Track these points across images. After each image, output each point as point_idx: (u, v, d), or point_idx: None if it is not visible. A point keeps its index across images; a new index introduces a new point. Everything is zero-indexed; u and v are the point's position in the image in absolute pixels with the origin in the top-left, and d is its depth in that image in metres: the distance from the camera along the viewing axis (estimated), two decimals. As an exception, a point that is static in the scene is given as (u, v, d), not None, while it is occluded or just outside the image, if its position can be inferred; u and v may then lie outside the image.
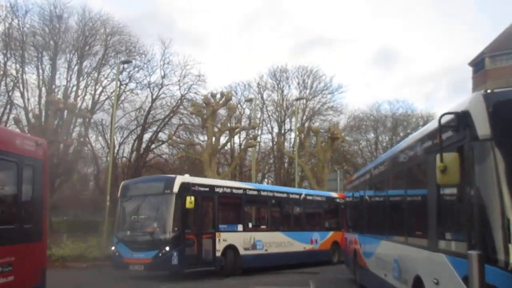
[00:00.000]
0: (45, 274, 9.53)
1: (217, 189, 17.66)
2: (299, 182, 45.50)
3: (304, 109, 50.41)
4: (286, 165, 51.46)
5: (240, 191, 18.85)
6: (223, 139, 32.71)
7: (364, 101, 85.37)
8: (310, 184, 43.59)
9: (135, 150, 43.54)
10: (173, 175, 16.98)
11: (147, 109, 42.92)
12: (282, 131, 51.07)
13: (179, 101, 43.26)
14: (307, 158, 36.62)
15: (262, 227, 19.72)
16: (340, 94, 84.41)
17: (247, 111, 51.18)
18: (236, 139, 48.88)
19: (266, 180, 55.32)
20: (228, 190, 18.31)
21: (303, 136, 37.60)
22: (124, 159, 45.25)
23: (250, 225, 18.98)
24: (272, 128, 51.44)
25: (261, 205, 20.26)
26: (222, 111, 40.12)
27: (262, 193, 20.08)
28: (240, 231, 18.16)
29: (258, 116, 49.00)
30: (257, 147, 46.22)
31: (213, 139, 28.98)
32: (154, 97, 43.29)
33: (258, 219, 20.29)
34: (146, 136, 44.55)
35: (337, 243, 22.57)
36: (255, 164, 34.58)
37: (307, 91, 50.98)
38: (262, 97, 50.49)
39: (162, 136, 44.83)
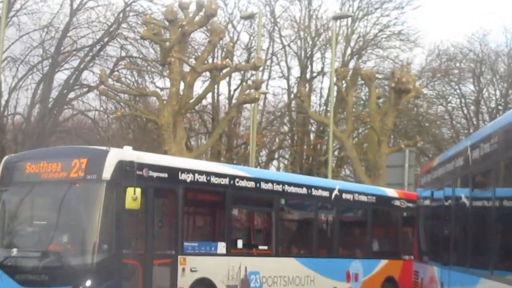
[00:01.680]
0: None
1: (183, 176, 17.43)
2: (335, 169, 45.51)
3: (348, 37, 50.25)
4: (312, 137, 51.49)
5: (224, 181, 18.68)
6: (199, 87, 32.52)
7: (457, 27, 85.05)
8: (354, 173, 43.58)
9: (39, 101, 43.38)
10: (103, 147, 16.74)
11: (62, 28, 42.71)
12: (308, 76, 51.00)
13: (121, 16, 42.99)
14: (350, 126, 36.42)
15: (261, 248, 19.81)
16: (414, 10, 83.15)
17: (245, 38, 50.96)
18: (224, 87, 48.86)
19: (275, 163, 55.52)
20: (203, 179, 18.04)
21: (344, 85, 37.39)
22: (18, 116, 45.15)
23: (239, 243, 19.00)
24: (289, 69, 51.51)
25: (260, 208, 20.51)
26: (198, 36, 39.77)
27: (264, 185, 19.85)
28: (221, 255, 18.08)
29: (264, 47, 48.80)
30: (261, 103, 46.10)
31: (181, 86, 28.83)
32: (75, 6, 43.00)
33: (254, 234, 20.46)
34: (60, 78, 44.47)
35: (394, 280, 22.60)
36: (255, 133, 34.47)
37: (355, 4, 50.82)
38: (272, 13, 50.40)
39: (89, 78, 44.69)
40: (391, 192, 24.58)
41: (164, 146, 27.74)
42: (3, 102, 40.72)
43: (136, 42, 42.07)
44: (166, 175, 17.16)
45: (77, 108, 45.79)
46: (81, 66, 43.51)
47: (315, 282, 20.42)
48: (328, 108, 41.70)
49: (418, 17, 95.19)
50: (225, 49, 32.98)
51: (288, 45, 50.89)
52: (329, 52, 44.80)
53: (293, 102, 49.58)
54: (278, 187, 20.25)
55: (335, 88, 37.28)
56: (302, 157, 50.89)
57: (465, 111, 54.32)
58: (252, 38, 48.40)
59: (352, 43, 50.56)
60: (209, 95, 42.27)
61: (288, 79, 51.21)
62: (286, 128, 52.70)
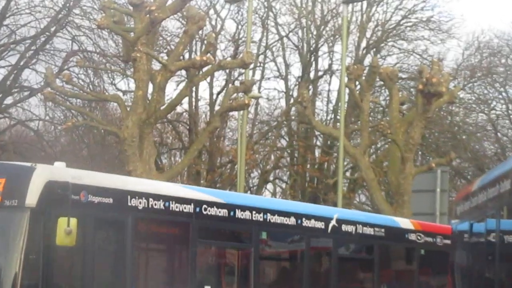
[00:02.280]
0: None
1: (134, 201, 17.21)
2: (347, 195, 45.50)
3: (363, 25, 50.40)
4: (317, 154, 51.50)
5: (188, 208, 18.52)
6: (172, 90, 32.43)
7: (502, 13, 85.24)
8: (371, 199, 43.52)
9: (-32, 108, 43.40)
10: (27, 164, 16.11)
11: (-4, 13, 42.77)
12: (311, 76, 51.06)
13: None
14: (366, 140, 36.47)
15: None
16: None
17: (231, 27, 50.97)
18: (204, 90, 48.85)
19: (270, 186, 55.49)
20: (160, 205, 17.88)
21: (358, 87, 37.47)
22: None
23: None
24: (287, 68, 51.66)
25: (234, 244, 20.41)
26: (172, 25, 39.77)
27: (239, 213, 19.61)
28: None
29: (256, 38, 48.84)
30: (252, 111, 46.18)
31: (150, 88, 28.87)
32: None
33: (226, 277, 20.19)
34: (-6, 78, 44.43)
35: None
36: (244, 149, 34.51)
37: (372, -17, 50.93)
38: (265, -7, 50.52)
39: (31, 78, 44.62)
40: (405, 223, 24.48)
41: (128, 165, 27.71)
42: None
43: (91, 33, 42.10)
44: (111, 200, 16.71)
45: (15, 117, 45.76)
46: (21, 64, 43.45)
47: None
48: (338, 117, 41.76)
49: (453, 0, 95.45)
50: (205, 42, 33.05)
51: (287, 35, 51.13)
52: (339, 45, 44.98)
53: (293, 108, 49.63)
54: (258, 216, 19.98)
55: (347, 91, 37.33)
56: (304, 179, 51.00)
57: (513, 120, 54.52)
58: (240, 27, 48.56)
59: (368, 34, 50.86)
60: (185, 100, 42.29)
61: (286, 80, 51.55)
62: (284, 142, 52.85)
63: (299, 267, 21.46)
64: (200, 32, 32.75)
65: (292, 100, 49.86)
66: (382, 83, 38.40)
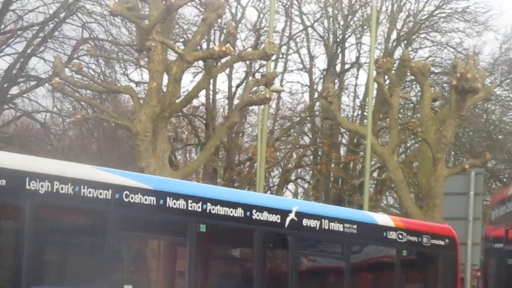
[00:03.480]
0: None
1: (34, 184, 15.87)
2: (374, 196, 45.45)
3: (393, 15, 50.35)
4: (342, 152, 51.52)
5: (105, 194, 16.75)
6: (188, 82, 32.45)
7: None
8: (399, 202, 43.48)
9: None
10: None
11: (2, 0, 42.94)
12: (337, 69, 51.07)
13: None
14: (395, 138, 36.43)
15: None
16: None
17: (253, 15, 50.99)
18: (222, 82, 48.91)
19: (292, 186, 55.50)
20: (68, 189, 16.21)
21: (387, 82, 37.45)
22: None
23: None
24: (312, 60, 51.69)
25: (164, 237, 18.43)
26: (189, 12, 39.85)
27: (171, 202, 17.89)
28: None
29: (279, 28, 48.88)
30: (273, 106, 46.21)
31: (165, 79, 28.93)
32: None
33: (153, 277, 18.40)
34: (-1, 66, 44.59)
35: None
36: (264, 146, 34.56)
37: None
38: (290, -19, 50.51)
39: (38, 67, 44.76)
40: (383, 219, 22.83)
41: (140, 161, 27.74)
42: None
43: (103, 20, 42.25)
44: (3, 182, 15.33)
45: (21, 109, 45.92)
46: (28, 51, 43.65)
47: None
48: (365, 113, 41.75)
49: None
50: (225, 31, 33.11)
51: (312, 25, 51.17)
52: (367, 36, 44.94)
53: (317, 103, 49.62)
54: (196, 206, 18.30)
55: (375, 85, 37.33)
56: (328, 180, 51.06)
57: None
58: (262, 16, 48.61)
59: (398, 25, 50.85)
60: (202, 93, 42.39)
61: (310, 73, 51.60)
62: (307, 140, 52.90)
63: (246, 267, 19.97)
64: (219, 20, 32.80)
65: (316, 95, 49.86)
66: (413, 77, 38.34)
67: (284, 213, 19.57)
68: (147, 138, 27.78)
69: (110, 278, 16.41)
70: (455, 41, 50.34)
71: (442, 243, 21.95)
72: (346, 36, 51.02)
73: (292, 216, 19.66)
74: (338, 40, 50.95)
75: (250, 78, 41.65)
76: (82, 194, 15.98)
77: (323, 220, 20.27)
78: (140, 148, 27.89)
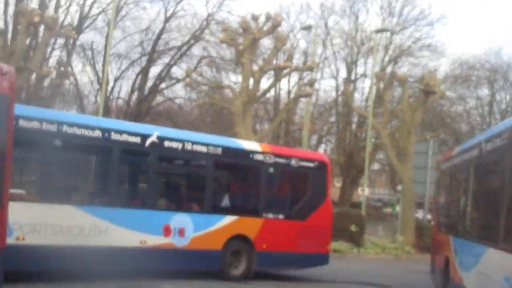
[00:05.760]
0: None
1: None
2: (372, 152, 45.23)
3: (387, 46, 49.77)
4: (354, 126, 51.20)
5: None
6: (264, 83, 32.47)
7: (476, 41, 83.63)
8: (386, 156, 43.26)
9: (137, 89, 43.94)
10: None
11: (157, 31, 43.11)
12: (352, 77, 50.66)
13: (205, 23, 43.23)
14: (386, 119, 36.03)
15: (15, 192, 12.98)
16: (442, 27, 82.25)
17: (303, 44, 50.85)
18: (284, 83, 48.90)
19: (323, 146, 55.38)
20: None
21: (382, 85, 37.02)
22: (120, 100, 45.79)
23: None
24: (337, 71, 51.26)
25: (22, 139, 12.76)
26: (266, 42, 39.66)
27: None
28: None
29: (319, 52, 48.64)
30: (314, 98, 46.03)
31: (251, 81, 28.83)
32: (168, 14, 43.36)
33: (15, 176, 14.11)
34: (154, 71, 44.99)
35: (246, 238, 17.03)
36: (308, 121, 34.40)
37: (394, 20, 50.32)
38: (325, 25, 50.27)
39: (177, 72, 45.10)
40: (250, 145, 18.03)
41: (235, 128, 27.81)
42: (109, 89, 41.31)
43: (216, 45, 42.29)
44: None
45: (166, 96, 46.25)
46: (171, 62, 43.94)
47: (108, 233, 14.55)
48: (368, 104, 41.40)
49: (446, 33, 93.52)
50: (286, 53, 32.96)
51: (338, 51, 50.79)
52: (371, 58, 44.53)
53: (340, 98, 49.37)
54: (51, 127, 13.83)
55: (375, 88, 37.05)
56: (345, 142, 50.79)
57: (480, 111, 54.20)
58: (308, 45, 48.26)
59: (390, 52, 50.30)
60: (272, 90, 42.39)
61: (336, 79, 51.25)
62: (333, 119, 52.57)
63: (104, 172, 15.69)
64: (283, 47, 32.58)
65: (339, 93, 49.66)
66: (397, 84, 37.95)
67: (145, 136, 15.44)
68: (239, 115, 27.83)
69: None
70: (423, 63, 49.95)
71: (311, 165, 18.25)
72: (358, 58, 50.74)
73: (153, 139, 15.54)
74: (353, 60, 50.66)
75: (300, 81, 41.46)
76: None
77: (186, 143, 16.17)
78: (235, 121, 27.97)
